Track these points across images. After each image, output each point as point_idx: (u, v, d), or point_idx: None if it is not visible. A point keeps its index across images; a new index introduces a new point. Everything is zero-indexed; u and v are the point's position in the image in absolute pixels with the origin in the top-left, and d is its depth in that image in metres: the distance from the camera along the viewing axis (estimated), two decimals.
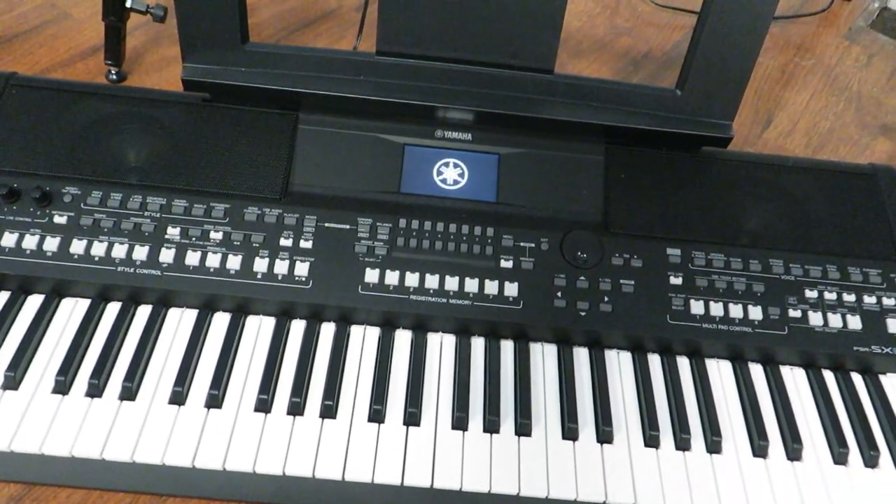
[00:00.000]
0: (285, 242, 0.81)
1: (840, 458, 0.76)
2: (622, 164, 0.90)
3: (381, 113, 0.89)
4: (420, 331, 0.81)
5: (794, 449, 0.76)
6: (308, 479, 0.69)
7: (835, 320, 0.83)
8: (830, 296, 0.84)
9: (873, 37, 1.50)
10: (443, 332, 0.82)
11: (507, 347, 0.81)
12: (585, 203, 0.88)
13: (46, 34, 1.26)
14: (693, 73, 0.87)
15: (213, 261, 0.79)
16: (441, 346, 0.81)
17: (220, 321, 0.80)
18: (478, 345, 0.81)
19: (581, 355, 0.82)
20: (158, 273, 0.79)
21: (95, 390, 0.72)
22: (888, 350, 0.82)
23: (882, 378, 0.83)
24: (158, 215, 0.81)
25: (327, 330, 0.80)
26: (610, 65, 1.38)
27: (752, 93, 1.34)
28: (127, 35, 1.18)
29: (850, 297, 0.84)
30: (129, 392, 0.72)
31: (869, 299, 0.84)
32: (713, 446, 0.75)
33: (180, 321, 0.79)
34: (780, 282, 0.84)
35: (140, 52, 1.25)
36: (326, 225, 0.83)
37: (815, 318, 0.83)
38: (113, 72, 1.15)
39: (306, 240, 0.82)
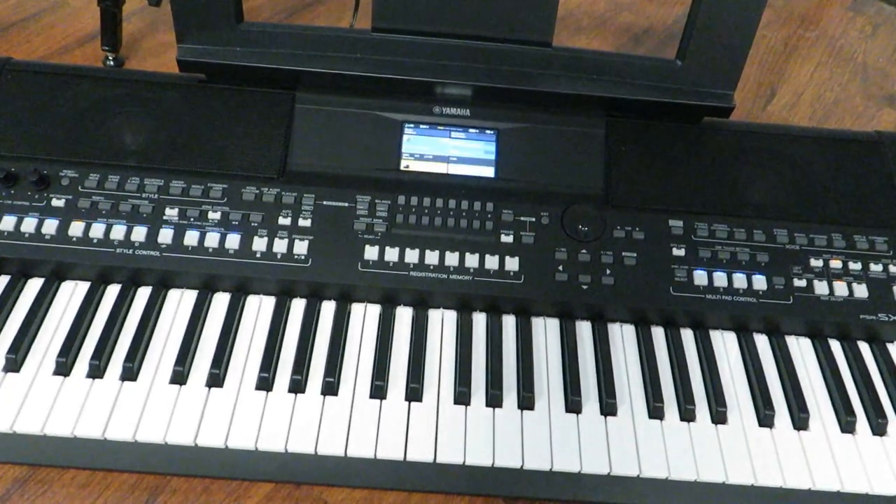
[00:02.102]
0: (284, 221, 0.81)
1: (847, 426, 0.75)
2: (623, 137, 0.89)
3: (378, 90, 0.88)
4: (421, 307, 0.81)
5: (800, 418, 0.75)
6: (310, 455, 0.69)
7: (840, 289, 0.82)
8: (836, 264, 0.83)
9: (878, 7, 1.48)
10: (444, 308, 0.81)
11: (508, 322, 0.81)
12: (586, 176, 0.87)
13: (43, 22, 1.25)
14: (693, 42, 0.86)
15: (211, 241, 0.79)
16: (442, 322, 0.80)
17: (220, 301, 0.79)
18: (479, 320, 0.81)
19: (584, 329, 0.81)
20: (157, 254, 0.78)
21: (97, 371, 0.72)
22: (895, 318, 0.81)
23: (889, 346, 0.82)
24: (156, 196, 0.81)
25: (328, 308, 0.80)
26: (611, 41, 1.36)
27: (754, 66, 1.32)
28: (124, 20, 1.18)
29: (855, 266, 0.83)
30: (130, 372, 0.72)
31: (875, 267, 0.83)
32: (718, 416, 0.75)
33: (180, 302, 0.79)
34: (784, 251, 0.83)
35: (137, 37, 1.24)
36: (325, 203, 0.82)
37: (821, 287, 0.82)
38: (110, 58, 1.14)
39: (305, 218, 0.81)
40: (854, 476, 0.72)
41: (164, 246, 0.79)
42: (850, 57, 1.37)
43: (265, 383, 0.73)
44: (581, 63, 0.88)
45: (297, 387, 0.73)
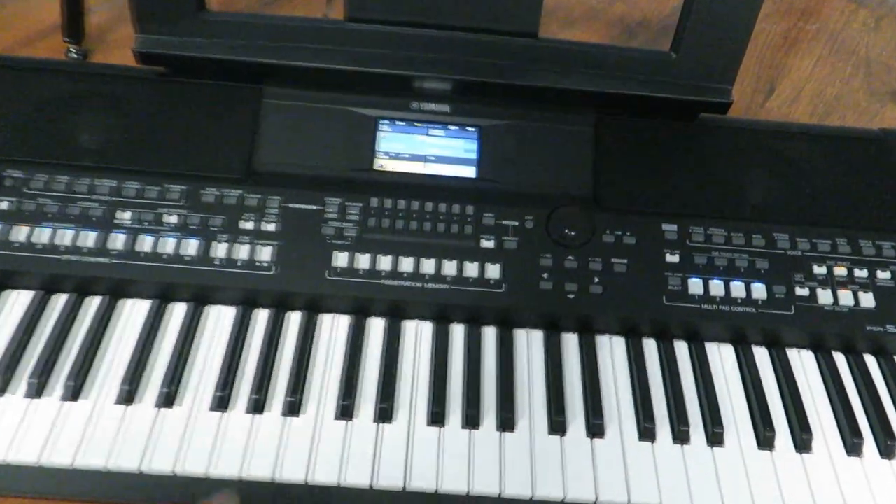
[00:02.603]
0: (246, 225, 0.75)
1: (853, 448, 0.69)
2: (613, 135, 0.83)
3: (352, 84, 0.82)
4: (394, 318, 0.75)
5: (802, 440, 0.69)
6: (269, 482, 0.63)
7: (846, 298, 0.76)
8: (840, 271, 0.77)
9: None
10: (419, 319, 0.75)
11: (489, 335, 0.75)
12: (574, 177, 0.81)
13: (4, 14, 1.19)
14: (688, 33, 0.80)
15: (167, 246, 0.73)
16: (418, 334, 0.74)
17: (177, 312, 0.73)
18: (457, 332, 0.75)
19: (570, 342, 0.75)
20: (108, 261, 0.72)
21: (36, 390, 0.66)
22: None
23: None
24: (108, 198, 0.75)
25: (294, 319, 0.74)
26: (603, 33, 1.30)
27: (753, 60, 1.26)
28: (91, 11, 1.11)
29: (861, 273, 0.77)
30: (73, 391, 0.66)
31: (882, 274, 0.78)
32: (714, 438, 0.69)
33: (133, 313, 0.73)
34: (785, 257, 0.78)
35: (104, 29, 1.18)
36: (291, 206, 0.76)
37: (825, 297, 0.76)
38: (73, 50, 1.08)
39: (269, 222, 0.75)
40: (860, 502, 0.66)
41: (115, 252, 0.73)
42: (853, 51, 1.31)
43: (222, 403, 0.67)
44: (569, 56, 0.82)
45: (258, 407, 0.67)
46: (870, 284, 0.77)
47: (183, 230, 0.74)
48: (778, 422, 0.71)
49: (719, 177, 0.82)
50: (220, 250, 0.73)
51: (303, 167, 0.79)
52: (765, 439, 0.69)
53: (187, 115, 0.80)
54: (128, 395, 0.67)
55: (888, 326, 0.75)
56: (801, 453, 0.69)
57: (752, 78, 1.24)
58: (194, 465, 0.63)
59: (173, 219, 0.75)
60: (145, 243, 0.73)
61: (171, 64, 0.81)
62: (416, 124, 0.83)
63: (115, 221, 0.74)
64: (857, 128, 0.89)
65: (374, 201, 0.77)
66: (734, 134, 0.84)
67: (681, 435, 0.69)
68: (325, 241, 0.75)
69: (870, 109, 1.20)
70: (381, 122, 0.82)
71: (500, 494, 0.64)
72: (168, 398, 0.67)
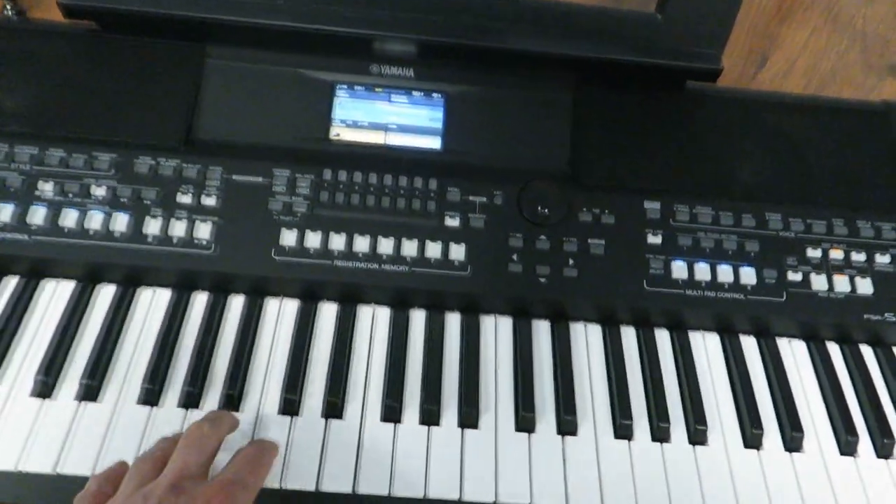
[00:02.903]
0: (184, 199, 0.67)
1: (847, 447, 0.64)
2: (593, 104, 0.76)
3: (306, 45, 0.74)
4: (348, 303, 0.68)
5: (793, 438, 0.63)
6: None
7: (841, 284, 0.70)
8: (836, 255, 0.71)
9: None
10: (376, 303, 0.68)
11: (452, 321, 0.68)
12: (549, 150, 0.74)
13: None
14: None
15: (94, 222, 0.65)
16: (373, 320, 0.68)
17: (105, 295, 0.66)
18: (418, 319, 0.68)
19: (541, 329, 0.69)
20: (27, 238, 0.65)
21: None
22: None
23: None
24: (28, 167, 0.67)
25: (236, 304, 0.67)
26: None
27: (744, 29, 1.19)
28: None
29: (859, 257, 0.71)
30: None
31: (882, 259, 0.71)
32: (697, 436, 0.63)
33: (54, 295, 0.66)
34: (777, 239, 0.71)
35: None
36: (235, 178, 0.69)
37: (819, 282, 0.70)
38: (8, 7, 0.99)
39: (210, 196, 0.68)
40: None
41: (35, 228, 0.65)
42: (849, 23, 1.24)
43: (151, 396, 0.60)
44: (546, 15, 0.74)
45: (191, 401, 0.60)
46: (868, 269, 0.71)
47: (112, 204, 0.66)
48: (766, 418, 0.65)
49: (707, 151, 0.75)
50: (154, 226, 0.66)
51: (249, 136, 0.71)
52: (752, 437, 0.63)
53: (120, 76, 0.72)
54: (44, 388, 0.60)
55: (887, 315, 0.69)
56: (791, 453, 0.63)
57: (743, 48, 1.17)
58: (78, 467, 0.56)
59: (102, 191, 0.67)
60: (70, 218, 0.65)
61: (101, 18, 0.73)
62: (376, 90, 0.75)
63: (36, 193, 0.66)
64: (858, 100, 0.82)
65: (328, 174, 0.70)
66: (724, 105, 0.78)
67: (660, 433, 0.63)
68: (271, 217, 0.67)
69: (866, 84, 1.14)
70: (338, 87, 0.74)
71: (459, 499, 0.58)
72: (90, 391, 0.60)
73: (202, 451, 0.52)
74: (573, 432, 0.62)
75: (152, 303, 0.66)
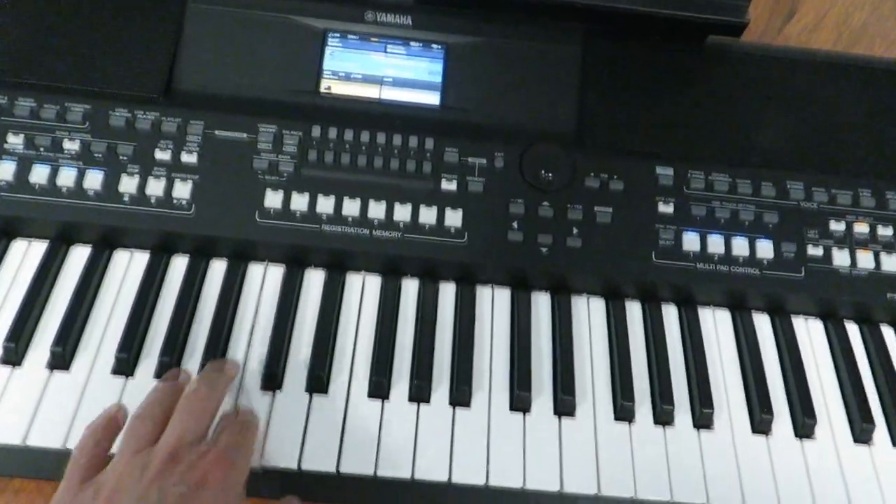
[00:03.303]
0: (162, 156, 0.63)
1: (862, 435, 0.60)
2: (604, 59, 0.71)
3: None
4: (336, 270, 0.64)
5: (805, 424, 0.60)
6: None
7: (865, 260, 0.65)
8: (861, 228, 0.66)
9: None
10: (366, 271, 0.64)
11: (447, 291, 0.64)
12: (555, 108, 0.69)
13: None
14: None
15: (66, 178, 0.61)
16: (363, 289, 0.64)
17: (78, 257, 0.62)
18: (410, 288, 0.64)
19: (541, 302, 0.64)
20: None
21: None
22: None
23: None
24: None
25: (217, 269, 0.63)
26: None
27: None
28: None
29: (886, 231, 0.66)
30: None
31: None
32: (702, 420, 0.59)
33: (24, 257, 0.62)
34: (798, 211, 0.66)
35: None
36: (217, 133, 0.64)
37: (841, 258, 0.65)
38: None
39: (190, 152, 0.63)
40: (867, 498, 0.57)
41: (2, 184, 0.61)
42: None
43: (124, 366, 0.57)
44: None
45: (167, 371, 0.57)
46: (894, 244, 0.66)
47: (86, 159, 0.62)
48: (777, 403, 0.61)
49: (727, 113, 0.70)
50: (129, 184, 0.62)
51: (232, 87, 0.66)
52: (761, 422, 0.59)
53: (95, 18, 0.67)
54: (11, 355, 0.56)
55: None
56: (801, 439, 0.60)
57: None
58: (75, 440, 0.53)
59: (74, 145, 0.63)
60: (39, 174, 0.61)
61: None
62: (371, 40, 0.70)
63: (5, 147, 0.62)
64: (892, 58, 0.75)
65: (317, 130, 0.65)
66: (747, 62, 0.72)
67: (663, 415, 0.59)
68: (255, 176, 0.63)
69: None
70: (330, 35, 0.69)
71: (448, 481, 0.55)
72: (60, 359, 0.56)
73: (201, 415, 0.50)
74: (571, 413, 0.59)
75: (129, 266, 0.62)
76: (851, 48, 1.03)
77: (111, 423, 0.52)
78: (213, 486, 0.46)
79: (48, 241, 0.62)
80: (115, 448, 0.51)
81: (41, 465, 0.53)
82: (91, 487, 0.46)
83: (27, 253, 0.62)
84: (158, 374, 0.57)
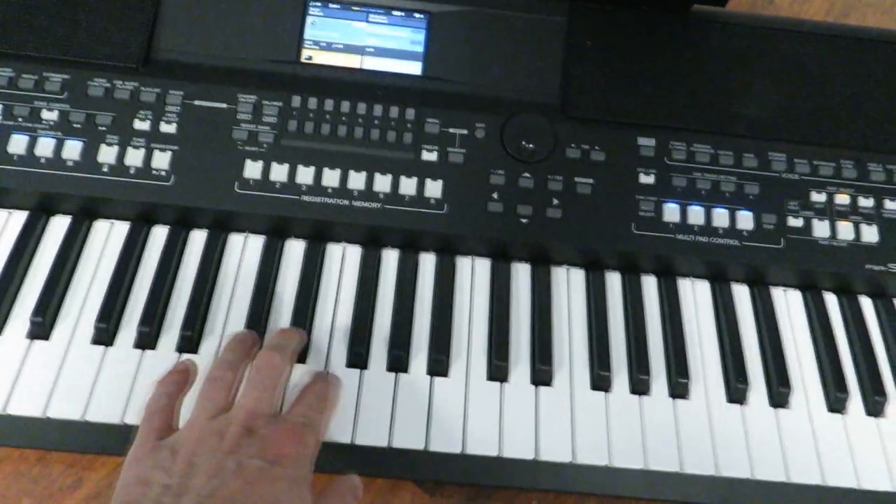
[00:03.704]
0: (141, 125, 0.63)
1: (836, 404, 0.61)
2: (589, 28, 0.70)
3: None
4: (316, 241, 0.64)
5: (779, 393, 0.60)
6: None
7: (845, 231, 0.65)
8: (842, 199, 0.66)
9: None
10: (347, 242, 0.65)
11: (426, 262, 0.64)
12: (538, 77, 0.68)
13: None
14: None
15: (44, 148, 0.61)
16: (343, 259, 0.64)
17: (57, 227, 0.62)
18: (390, 259, 0.64)
19: (521, 273, 0.65)
20: None
21: None
22: None
23: None
24: None
25: (197, 239, 0.63)
26: None
27: None
28: None
29: (867, 202, 0.66)
30: None
31: (891, 204, 0.67)
32: (677, 389, 0.60)
33: (6, 226, 0.62)
34: (780, 181, 0.66)
35: None
36: (196, 103, 0.64)
37: (821, 229, 0.65)
38: None
39: (169, 122, 0.63)
40: (839, 466, 0.58)
41: None
42: None
43: (104, 335, 0.57)
44: None
45: (146, 341, 0.57)
46: (875, 215, 0.66)
47: (64, 129, 0.62)
48: (753, 372, 0.61)
49: (711, 83, 0.69)
50: (108, 155, 0.62)
51: (212, 56, 0.66)
52: (736, 392, 0.60)
53: None
54: None
55: (891, 265, 0.65)
56: (776, 408, 0.60)
57: None
58: (66, 410, 0.54)
59: (53, 115, 0.62)
60: (17, 144, 0.61)
61: None
62: (353, 8, 0.69)
63: None
64: (881, 29, 0.75)
65: (297, 100, 0.65)
66: (732, 31, 0.71)
67: (640, 385, 0.60)
68: (235, 146, 0.63)
69: (894, 10, 1.05)
70: (311, 3, 0.68)
71: (425, 448, 0.56)
72: (40, 329, 0.57)
73: (273, 384, 0.51)
74: (548, 383, 0.59)
75: (109, 236, 0.62)
76: (844, 18, 1.02)
77: (183, 379, 0.52)
78: (288, 463, 0.46)
79: (28, 211, 0.62)
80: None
81: (23, 433, 0.54)
82: (167, 448, 0.47)
83: (7, 223, 0.62)
84: (138, 344, 0.57)
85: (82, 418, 0.54)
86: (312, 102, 0.65)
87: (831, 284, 0.66)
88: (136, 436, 0.48)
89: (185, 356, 0.57)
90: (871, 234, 0.65)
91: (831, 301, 0.66)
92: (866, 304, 0.66)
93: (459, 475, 0.55)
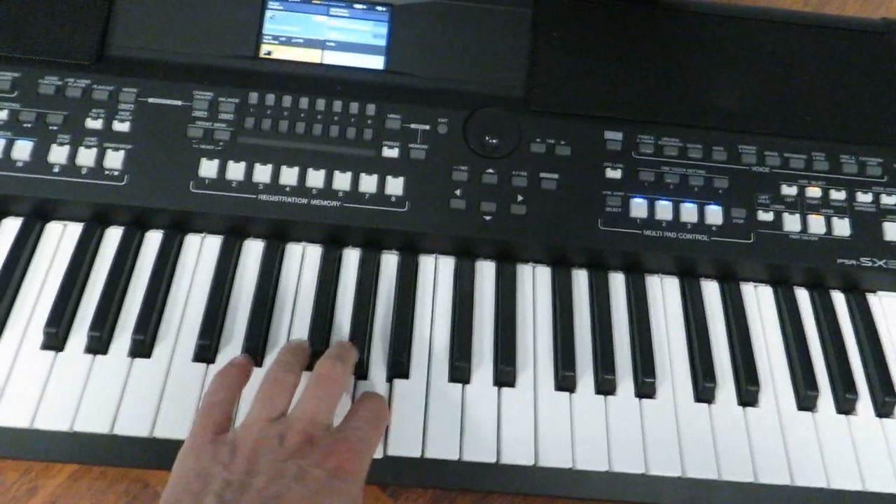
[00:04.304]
0: (93, 124, 0.61)
1: (806, 402, 0.59)
2: (555, 20, 0.68)
3: None
4: (275, 240, 0.62)
5: (748, 391, 0.59)
6: (104, 435, 0.53)
7: (816, 224, 0.64)
8: (814, 192, 0.65)
9: None
10: (306, 241, 0.63)
11: (388, 261, 0.63)
12: (503, 71, 0.67)
13: None
14: None
15: None
16: (302, 259, 0.62)
17: (8, 229, 0.61)
18: (351, 258, 0.63)
19: (485, 271, 0.63)
20: None
21: None
22: (881, 263, 0.63)
23: (870, 297, 0.65)
24: None
25: (152, 240, 0.62)
26: None
27: None
28: None
29: (839, 195, 0.65)
30: None
31: (863, 197, 0.65)
32: (644, 389, 0.59)
33: None
34: (749, 174, 0.65)
35: None
36: (150, 101, 0.62)
37: (792, 223, 0.64)
38: None
39: (122, 121, 0.62)
40: (809, 466, 0.57)
41: None
42: None
43: (54, 340, 0.56)
44: None
45: (97, 346, 0.56)
46: (846, 209, 0.65)
47: (14, 129, 0.61)
48: (722, 370, 0.60)
49: (681, 74, 0.68)
50: (60, 155, 0.60)
51: (168, 52, 0.64)
52: (704, 391, 0.59)
53: None
54: None
55: (863, 260, 0.63)
56: (745, 407, 0.59)
57: None
58: (14, 418, 0.53)
59: (2, 114, 0.61)
60: None
61: None
62: (313, 1, 0.67)
63: None
64: (854, 17, 0.73)
65: (255, 97, 0.63)
66: (702, 21, 0.69)
67: (605, 385, 0.58)
68: (190, 145, 0.61)
69: None
70: None
71: (384, 455, 0.54)
72: None
73: (333, 394, 0.50)
74: (511, 384, 0.58)
75: (62, 238, 0.61)
76: (823, 6, 1.01)
77: (242, 373, 0.52)
78: (348, 477, 0.46)
79: None
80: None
81: None
82: (226, 445, 0.46)
83: None
84: (89, 349, 0.56)
85: (31, 426, 0.53)
86: (270, 99, 0.63)
87: (802, 279, 0.65)
88: (192, 427, 0.48)
89: (139, 361, 0.55)
90: (842, 227, 0.64)
91: (802, 296, 0.65)
92: (838, 300, 0.65)
93: (418, 479, 0.54)
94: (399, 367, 0.57)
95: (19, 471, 0.56)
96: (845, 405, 0.60)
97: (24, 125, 0.61)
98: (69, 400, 0.53)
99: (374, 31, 0.68)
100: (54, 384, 0.54)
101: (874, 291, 0.65)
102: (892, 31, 0.71)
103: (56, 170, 0.60)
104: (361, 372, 0.57)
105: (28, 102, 0.61)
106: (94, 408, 0.53)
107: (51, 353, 0.55)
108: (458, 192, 0.62)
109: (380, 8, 0.68)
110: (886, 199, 0.65)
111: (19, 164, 0.60)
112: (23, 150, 0.60)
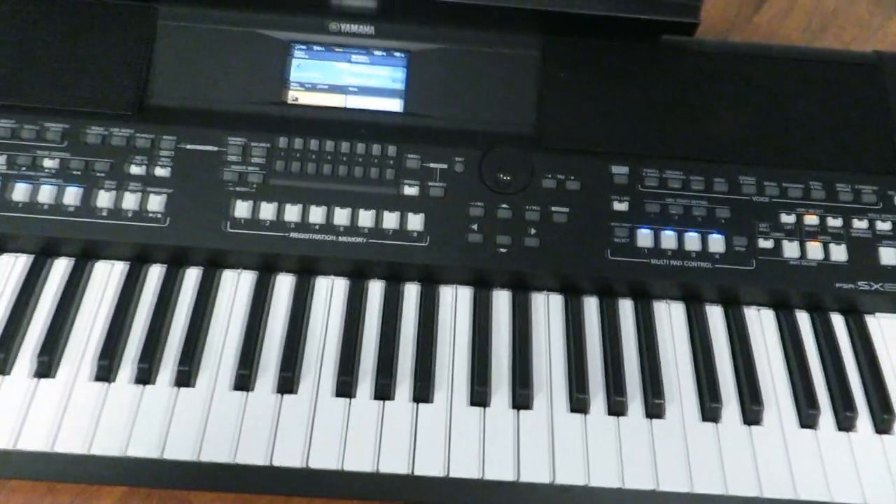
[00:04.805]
0: (137, 170, 0.66)
1: (808, 420, 0.63)
2: (562, 61, 0.73)
3: (260, 2, 0.71)
4: (304, 275, 0.67)
5: (752, 411, 0.62)
6: (153, 459, 0.57)
7: (814, 251, 0.68)
8: (811, 220, 0.69)
9: None
10: (334, 275, 0.68)
11: (410, 293, 0.67)
12: (514, 111, 0.71)
13: None
14: None
15: (46, 195, 0.65)
16: (331, 292, 0.67)
17: (59, 269, 0.66)
18: (375, 290, 0.67)
19: (501, 300, 0.67)
20: None
21: None
22: (878, 286, 0.67)
23: (868, 319, 0.69)
24: None
25: (191, 276, 0.67)
26: None
27: None
28: None
29: (835, 222, 0.69)
30: None
31: (859, 223, 0.69)
32: (653, 409, 0.62)
33: (11, 271, 0.65)
34: (750, 204, 0.69)
35: None
36: (188, 147, 0.67)
37: (791, 249, 0.67)
38: None
39: (163, 166, 0.67)
40: (811, 480, 0.60)
41: None
42: None
43: (104, 372, 0.60)
44: None
45: (145, 377, 0.61)
46: (843, 235, 0.68)
47: (63, 176, 0.66)
48: (726, 391, 0.64)
49: (682, 110, 0.72)
50: (105, 199, 0.65)
51: (202, 101, 0.70)
52: (710, 411, 0.62)
53: (69, 39, 0.70)
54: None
55: (860, 284, 0.67)
56: (749, 426, 0.62)
57: None
58: (72, 445, 0.57)
59: (53, 163, 0.66)
60: (20, 191, 0.65)
61: None
62: (335, 49, 0.72)
63: None
64: (847, 51, 0.77)
65: (283, 141, 0.68)
66: (701, 59, 0.74)
67: (616, 406, 0.62)
68: (224, 187, 0.66)
69: (872, 23, 1.07)
70: (295, 46, 0.72)
71: (411, 473, 0.58)
72: (44, 367, 0.60)
73: None
74: (528, 406, 0.62)
75: (109, 277, 0.66)
76: (822, 34, 1.04)
77: None
78: None
79: (30, 256, 0.66)
80: None
81: (32, 466, 0.57)
82: None
83: (13, 267, 0.65)
84: (139, 380, 0.60)
85: (88, 452, 0.57)
86: (298, 143, 0.68)
87: (803, 303, 0.68)
88: None
89: (183, 390, 0.60)
90: (839, 253, 0.67)
91: (803, 319, 0.68)
92: (837, 322, 0.68)
93: (449, 497, 0.58)
94: (422, 392, 0.61)
95: (73, 493, 0.61)
96: (845, 423, 0.63)
97: (74, 172, 0.66)
98: (121, 427, 0.58)
99: (392, 75, 0.72)
100: (107, 413, 0.59)
101: (872, 313, 0.69)
102: (884, 64, 0.75)
103: (102, 213, 0.65)
104: (389, 396, 0.61)
105: (76, 151, 0.66)
106: (145, 434, 0.58)
107: (103, 385, 0.60)
108: (474, 226, 0.66)
109: (398, 54, 0.72)
110: (881, 225, 0.69)
111: (70, 209, 0.65)
112: (72, 195, 0.65)
